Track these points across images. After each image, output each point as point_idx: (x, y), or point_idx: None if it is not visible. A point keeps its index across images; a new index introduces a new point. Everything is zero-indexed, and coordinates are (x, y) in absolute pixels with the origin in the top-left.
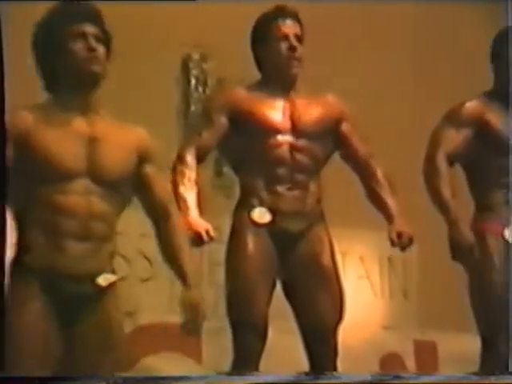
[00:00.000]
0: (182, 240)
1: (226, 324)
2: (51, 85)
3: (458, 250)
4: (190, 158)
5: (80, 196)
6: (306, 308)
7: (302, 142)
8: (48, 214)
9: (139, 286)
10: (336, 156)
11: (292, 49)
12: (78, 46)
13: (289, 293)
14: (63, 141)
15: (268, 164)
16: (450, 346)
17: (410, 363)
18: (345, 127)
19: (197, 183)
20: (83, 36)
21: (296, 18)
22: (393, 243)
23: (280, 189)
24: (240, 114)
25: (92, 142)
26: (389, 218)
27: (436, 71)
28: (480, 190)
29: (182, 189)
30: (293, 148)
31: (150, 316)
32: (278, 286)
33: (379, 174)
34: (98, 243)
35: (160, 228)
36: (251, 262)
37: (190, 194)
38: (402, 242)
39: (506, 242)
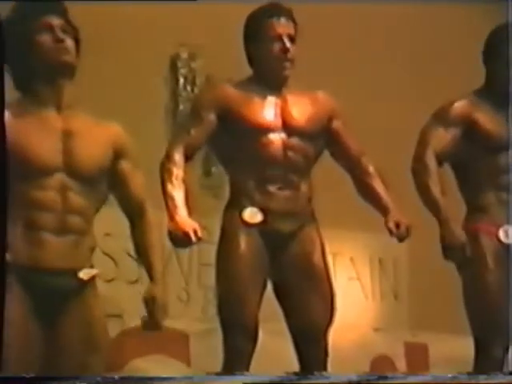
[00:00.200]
0: (155, 237)
1: (214, 326)
2: (23, 82)
3: (449, 249)
4: (178, 157)
5: (56, 191)
6: (296, 309)
7: (294, 140)
8: (26, 210)
9: (127, 288)
10: (325, 157)
11: (285, 50)
12: (46, 38)
13: (279, 293)
14: (39, 136)
15: (260, 163)
16: (441, 349)
17: (401, 365)
18: (336, 125)
19: (185, 182)
20: (50, 28)
21: (290, 16)
22: (391, 233)
23: (271, 188)
24: (230, 111)
25: (67, 136)
26: (384, 209)
27: (429, 70)
28: (471, 191)
29: (169, 187)
30: (285, 146)
31: (137, 318)
32: (269, 287)
33: (371, 169)
34: (76, 237)
35: (134, 224)
36: (242, 263)
37: (177, 192)
38: (400, 232)
39: (500, 242)
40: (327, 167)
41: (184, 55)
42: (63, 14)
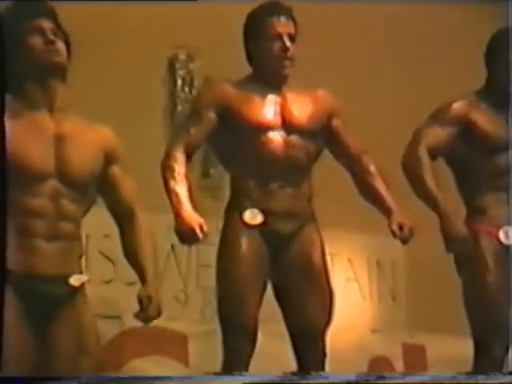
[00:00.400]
0: (145, 241)
1: (213, 327)
2: (14, 84)
3: (451, 241)
4: (179, 155)
5: (48, 197)
6: (295, 309)
7: (294, 138)
8: (19, 217)
9: (125, 290)
10: (324, 158)
11: (285, 49)
12: (36, 40)
13: (279, 294)
14: (31, 141)
15: (260, 161)
16: (439, 350)
17: (399, 366)
18: (336, 123)
19: (187, 178)
20: (41, 30)
21: (290, 15)
22: (394, 235)
23: (273, 187)
24: (230, 109)
25: (59, 141)
26: (387, 210)
27: (429, 70)
28: (470, 192)
29: (172, 183)
30: (286, 144)
31: (135, 319)
32: (269, 288)
33: (372, 168)
34: (67, 243)
35: (124, 228)
36: (243, 265)
37: (181, 188)
38: (403, 234)
39: (500, 243)
40: (326, 168)
41: (182, 57)
42: (53, 18)
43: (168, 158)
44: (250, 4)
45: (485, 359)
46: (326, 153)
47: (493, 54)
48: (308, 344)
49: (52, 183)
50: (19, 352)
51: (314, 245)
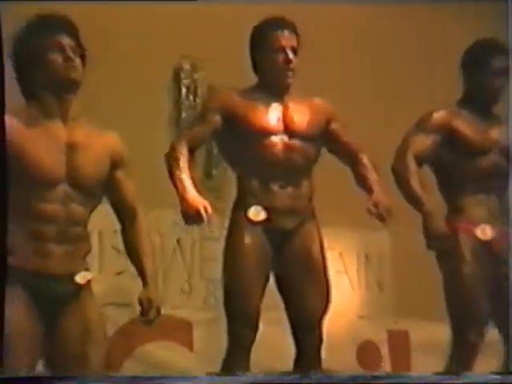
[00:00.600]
0: (146, 242)
1: (215, 315)
2: (31, 93)
3: (432, 239)
4: (183, 148)
5: (60, 202)
6: (295, 299)
7: (295, 142)
8: (31, 220)
9: (135, 280)
10: (321, 159)
11: (288, 61)
12: (56, 57)
13: (281, 285)
14: (45, 148)
15: (263, 163)
16: (421, 335)
17: (384, 350)
18: (334, 126)
19: (190, 169)
20: (60, 47)
21: (293, 29)
22: (370, 212)
23: (274, 187)
24: (236, 115)
25: (71, 149)
26: (369, 190)
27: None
28: (451, 193)
29: (177, 171)
30: (287, 148)
31: None
32: (270, 280)
33: (367, 163)
34: (75, 245)
35: (126, 227)
36: (247, 258)
37: (185, 175)
38: (378, 212)
39: (478, 239)
40: (323, 169)
41: (187, 66)
42: (74, 34)
43: (173, 150)
44: (251, 18)
45: (461, 344)
46: (323, 156)
47: (470, 64)
48: (306, 330)
49: (63, 188)
50: (29, 343)
51: (313, 240)
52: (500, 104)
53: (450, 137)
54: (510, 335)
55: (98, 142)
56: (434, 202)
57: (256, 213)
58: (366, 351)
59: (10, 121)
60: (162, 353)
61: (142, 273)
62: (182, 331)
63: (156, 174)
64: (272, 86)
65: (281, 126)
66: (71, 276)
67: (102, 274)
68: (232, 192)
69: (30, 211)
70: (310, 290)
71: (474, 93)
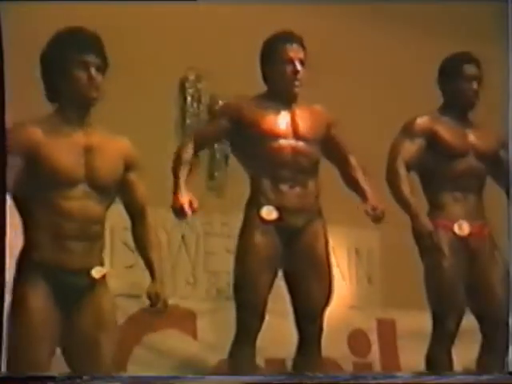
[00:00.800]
0: (153, 239)
1: (217, 305)
2: (53, 99)
3: (420, 237)
4: (188, 148)
5: (79, 200)
6: (301, 293)
7: (301, 146)
8: (52, 217)
9: (144, 273)
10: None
11: (296, 72)
12: (81, 75)
13: (288, 280)
14: (65, 151)
15: (273, 165)
16: (407, 323)
17: (373, 338)
18: (334, 131)
19: (192, 165)
20: (86, 66)
21: (301, 43)
22: (368, 214)
23: (283, 187)
24: (247, 121)
25: (88, 152)
26: (363, 195)
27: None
28: (432, 192)
29: (176, 171)
30: (294, 151)
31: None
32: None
33: (356, 165)
34: (93, 242)
35: (136, 225)
36: (258, 254)
37: (182, 174)
38: (376, 214)
39: (455, 235)
40: (321, 170)
41: (191, 77)
42: (100, 52)
43: (179, 150)
44: (253, 33)
45: (440, 330)
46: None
47: (449, 74)
48: (310, 320)
49: (82, 188)
50: (47, 330)
51: (319, 238)
52: (478, 110)
53: (432, 140)
54: (510, 335)
55: (112, 147)
56: (419, 202)
57: (268, 212)
58: (357, 339)
59: (35, 131)
60: (168, 340)
61: (149, 267)
62: (186, 320)
63: (163, 175)
64: (281, 95)
65: (289, 131)
66: (88, 270)
67: (113, 268)
68: (232, 192)
69: (52, 209)
70: (315, 285)
71: (451, 99)
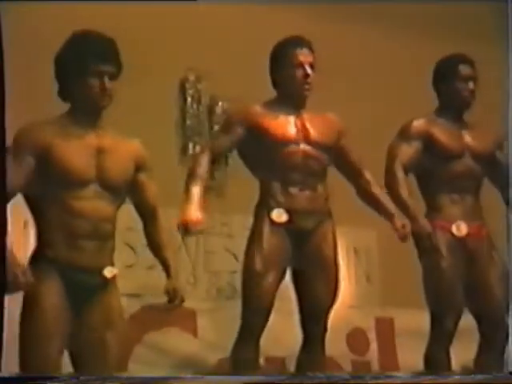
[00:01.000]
0: (167, 238)
1: (217, 304)
2: (66, 99)
3: (419, 239)
4: (204, 158)
5: (90, 200)
6: (308, 293)
7: (311, 150)
8: (64, 216)
9: (144, 273)
10: None
11: (306, 76)
12: (94, 83)
13: (296, 280)
14: (77, 153)
15: (284, 169)
16: (405, 322)
17: (372, 336)
18: (343, 142)
19: (205, 180)
20: (99, 74)
21: (310, 47)
22: (397, 232)
23: (293, 190)
24: (258, 126)
25: (100, 153)
26: (389, 215)
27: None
28: (429, 194)
29: (189, 184)
30: (304, 155)
31: (153, 297)
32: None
33: (372, 180)
34: (104, 240)
35: (148, 226)
36: (266, 253)
37: (196, 189)
38: (405, 232)
39: (453, 235)
40: None
41: (191, 78)
42: (115, 59)
43: (194, 161)
44: (251, 32)
45: (438, 330)
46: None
47: (444, 75)
48: (314, 320)
49: (93, 188)
50: (59, 325)
51: (328, 240)
52: (474, 110)
53: (428, 143)
54: (509, 335)
55: (123, 148)
56: (417, 204)
57: (279, 215)
58: (356, 337)
59: (47, 131)
60: (169, 339)
61: (165, 266)
62: (186, 319)
63: (163, 175)
64: (291, 99)
65: (300, 136)
66: (99, 270)
67: (115, 267)
68: (232, 192)
69: (64, 209)
70: (322, 285)
71: (447, 100)
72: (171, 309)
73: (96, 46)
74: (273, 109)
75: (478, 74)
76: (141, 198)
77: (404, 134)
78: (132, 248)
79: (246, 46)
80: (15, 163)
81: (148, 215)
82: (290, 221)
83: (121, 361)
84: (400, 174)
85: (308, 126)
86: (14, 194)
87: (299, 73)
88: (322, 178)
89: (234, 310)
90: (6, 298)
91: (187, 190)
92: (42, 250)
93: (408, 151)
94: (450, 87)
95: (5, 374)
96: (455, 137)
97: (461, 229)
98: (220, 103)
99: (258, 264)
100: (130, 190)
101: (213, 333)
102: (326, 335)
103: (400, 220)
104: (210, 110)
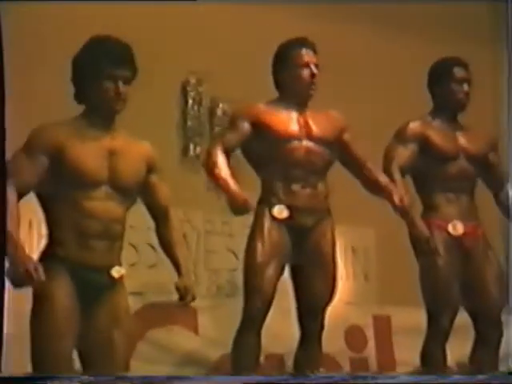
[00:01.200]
0: (178, 237)
1: (217, 302)
2: (81, 101)
3: (416, 242)
4: (219, 152)
5: (101, 201)
6: (306, 290)
7: (314, 147)
8: (75, 216)
9: (146, 271)
10: None
11: (313, 75)
12: (109, 87)
13: (294, 276)
14: (90, 154)
15: (287, 166)
16: (401, 319)
17: (369, 333)
18: (346, 137)
19: (227, 167)
20: (114, 79)
21: (314, 48)
22: (396, 208)
23: (295, 187)
24: (262, 123)
25: (112, 155)
26: (387, 191)
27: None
28: (426, 194)
29: (217, 171)
30: (307, 152)
31: (155, 295)
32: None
33: (371, 165)
34: (113, 241)
35: (160, 226)
36: (267, 247)
37: (225, 173)
38: (403, 205)
39: (449, 234)
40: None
41: (193, 81)
42: (131, 64)
43: (209, 155)
44: (252, 34)
45: (434, 327)
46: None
47: (438, 79)
48: (312, 317)
49: (104, 189)
50: (68, 321)
51: (327, 237)
52: (469, 112)
53: (424, 145)
54: (509, 335)
55: (135, 150)
56: (414, 204)
57: (280, 211)
58: (353, 334)
59: (61, 132)
60: (170, 336)
61: (176, 264)
62: (188, 316)
63: (163, 176)
64: (295, 99)
65: (302, 132)
66: (108, 269)
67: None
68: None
69: (75, 208)
70: (320, 282)
71: (442, 102)
72: (182, 306)
73: (112, 50)
74: (276, 107)
75: (473, 77)
76: (153, 200)
77: (400, 137)
78: (134, 247)
79: (247, 47)
80: (29, 162)
81: (160, 216)
82: (290, 217)
83: (127, 360)
84: (397, 176)
85: (310, 122)
86: (26, 193)
87: (305, 73)
88: (322, 175)
89: (234, 308)
90: (11, 296)
91: (221, 179)
92: (53, 249)
93: (404, 153)
94: (445, 89)
95: (5, 374)
96: (450, 139)
97: (457, 228)
98: (220, 105)
99: (260, 256)
100: (141, 191)
101: (213, 330)
102: (324, 332)
103: (399, 193)
104: (211, 112)
